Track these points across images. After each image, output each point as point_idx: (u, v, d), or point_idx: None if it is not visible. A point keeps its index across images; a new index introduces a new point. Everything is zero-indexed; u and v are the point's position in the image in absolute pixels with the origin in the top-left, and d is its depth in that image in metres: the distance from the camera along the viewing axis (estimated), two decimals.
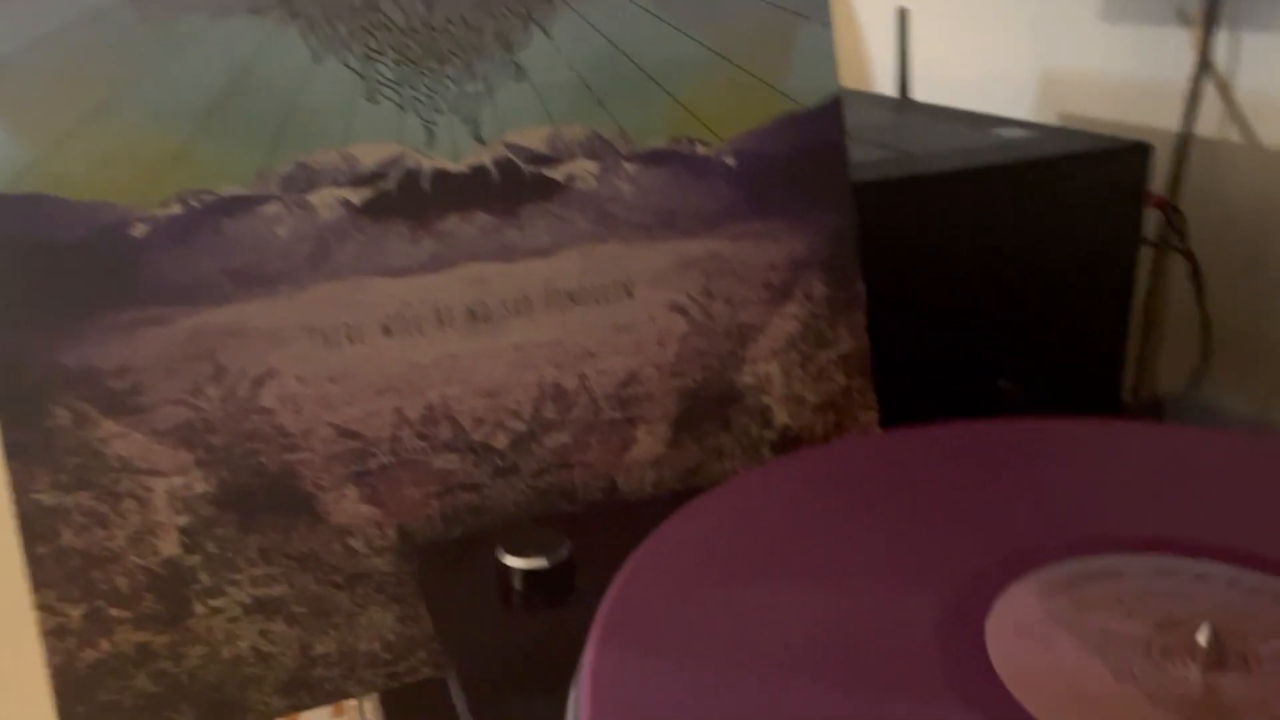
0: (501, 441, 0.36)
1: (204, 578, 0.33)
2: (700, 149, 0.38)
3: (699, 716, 0.24)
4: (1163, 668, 0.24)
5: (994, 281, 0.46)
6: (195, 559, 0.33)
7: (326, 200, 0.34)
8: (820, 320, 0.40)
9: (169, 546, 0.33)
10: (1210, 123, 0.55)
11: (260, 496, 0.34)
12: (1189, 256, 0.51)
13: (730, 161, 0.38)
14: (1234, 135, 0.55)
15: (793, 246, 0.39)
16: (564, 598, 0.31)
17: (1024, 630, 0.26)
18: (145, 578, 0.33)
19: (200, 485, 0.33)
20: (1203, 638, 0.24)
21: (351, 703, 0.58)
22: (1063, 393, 0.50)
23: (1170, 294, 0.57)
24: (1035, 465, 0.34)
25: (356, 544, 0.35)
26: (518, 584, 0.30)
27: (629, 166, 0.37)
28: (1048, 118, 0.66)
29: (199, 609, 0.33)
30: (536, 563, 0.30)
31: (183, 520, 0.33)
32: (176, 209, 0.33)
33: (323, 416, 0.34)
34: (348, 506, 0.35)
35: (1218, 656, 0.24)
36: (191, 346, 0.33)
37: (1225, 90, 0.54)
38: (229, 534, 0.33)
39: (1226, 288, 0.55)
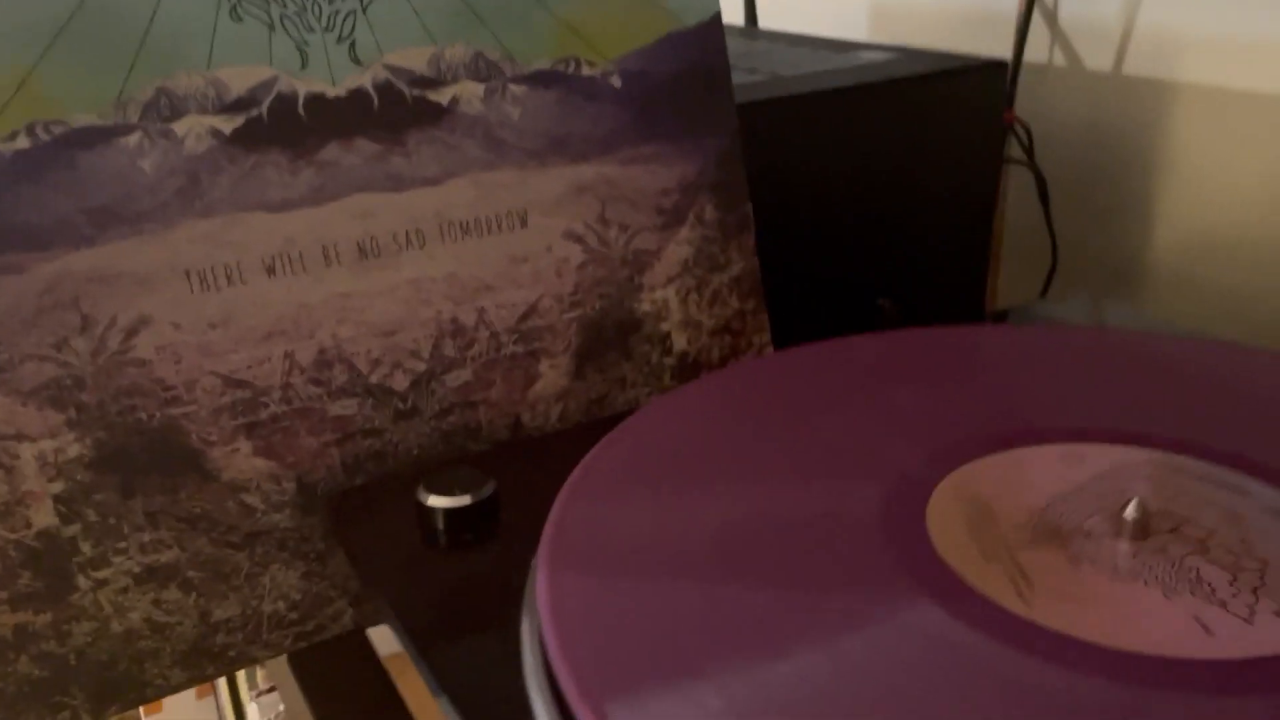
0: (401, 383, 0.34)
1: (86, 548, 0.30)
2: (586, 70, 0.37)
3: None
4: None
5: (866, 202, 0.47)
6: (74, 529, 0.30)
7: (193, 129, 0.31)
8: (712, 244, 0.40)
9: (43, 517, 0.30)
10: (1038, 49, 0.57)
11: (142, 456, 0.31)
12: (1037, 173, 0.54)
13: (617, 83, 0.37)
14: (1060, 59, 0.58)
15: (683, 169, 0.39)
16: (490, 534, 0.29)
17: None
18: (19, 553, 0.30)
19: (74, 448, 0.30)
20: (1131, 512, 0.25)
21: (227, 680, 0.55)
22: (931, 308, 0.51)
23: (1004, 209, 0.60)
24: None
25: (252, 500, 0.32)
26: (441, 524, 0.29)
27: (515, 89, 0.36)
28: None
29: (82, 583, 0.30)
30: (461, 501, 0.29)
31: (57, 487, 0.30)
32: (24, 142, 0.29)
33: (205, 366, 0.31)
34: (240, 461, 0.32)
35: (1145, 528, 0.25)
36: (51, 296, 0.30)
37: (1051, 20, 0.56)
38: (110, 499, 0.31)
39: (1063, 203, 0.58)
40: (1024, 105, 0.58)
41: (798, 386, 0.34)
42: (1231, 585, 0.24)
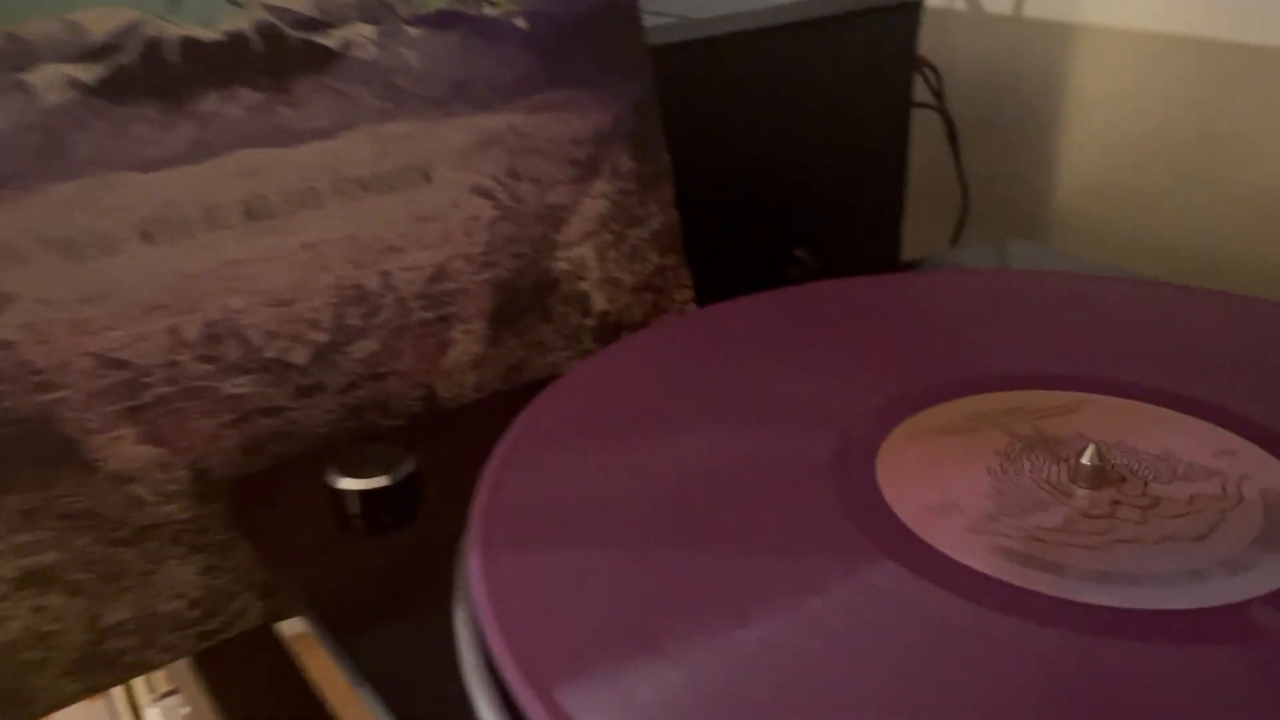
0: (301, 356, 0.31)
1: None
2: (488, 9, 0.34)
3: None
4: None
5: (778, 149, 0.46)
6: None
7: (51, 80, 0.28)
8: (630, 197, 0.37)
9: None
10: None
11: (13, 449, 0.28)
12: (947, 117, 0.53)
13: (521, 24, 0.35)
14: (961, 2, 0.57)
15: (596, 118, 0.36)
16: (412, 515, 0.27)
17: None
18: None
19: None
20: (1087, 458, 0.25)
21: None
22: (846, 259, 0.50)
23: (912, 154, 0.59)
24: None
25: (141, 492, 0.29)
26: (357, 508, 0.27)
27: (412, 31, 0.33)
28: None
29: None
30: (377, 482, 0.27)
31: None
32: None
33: (79, 345, 0.28)
34: (124, 449, 0.29)
35: (1101, 475, 0.25)
36: None
37: None
38: None
39: (969, 148, 0.58)
40: (929, 48, 0.57)
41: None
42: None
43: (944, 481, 0.25)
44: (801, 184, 0.47)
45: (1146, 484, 0.24)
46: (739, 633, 0.21)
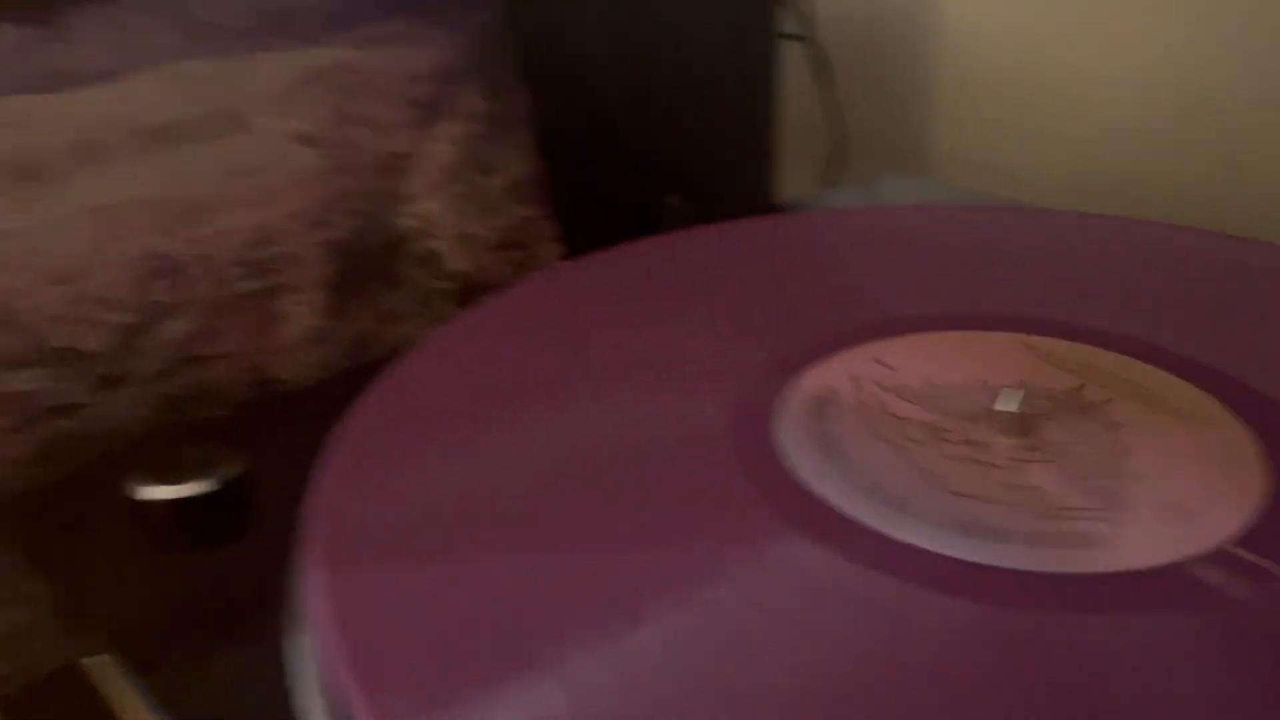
0: (97, 343, 0.26)
1: None
2: None
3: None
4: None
5: (642, 90, 0.42)
6: None
7: None
8: (482, 141, 0.33)
9: None
10: None
11: None
12: (818, 50, 0.50)
13: None
14: None
15: (438, 51, 0.32)
16: (242, 526, 0.23)
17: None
18: None
19: None
20: (1004, 404, 0.22)
21: None
22: (720, 204, 0.47)
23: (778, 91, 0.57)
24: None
25: None
26: (172, 521, 0.22)
27: None
28: None
29: None
30: (194, 488, 0.22)
31: None
32: None
33: None
34: None
35: (1021, 422, 0.22)
36: None
37: None
38: None
39: (842, 82, 0.55)
40: None
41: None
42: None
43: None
44: (668, 127, 0.44)
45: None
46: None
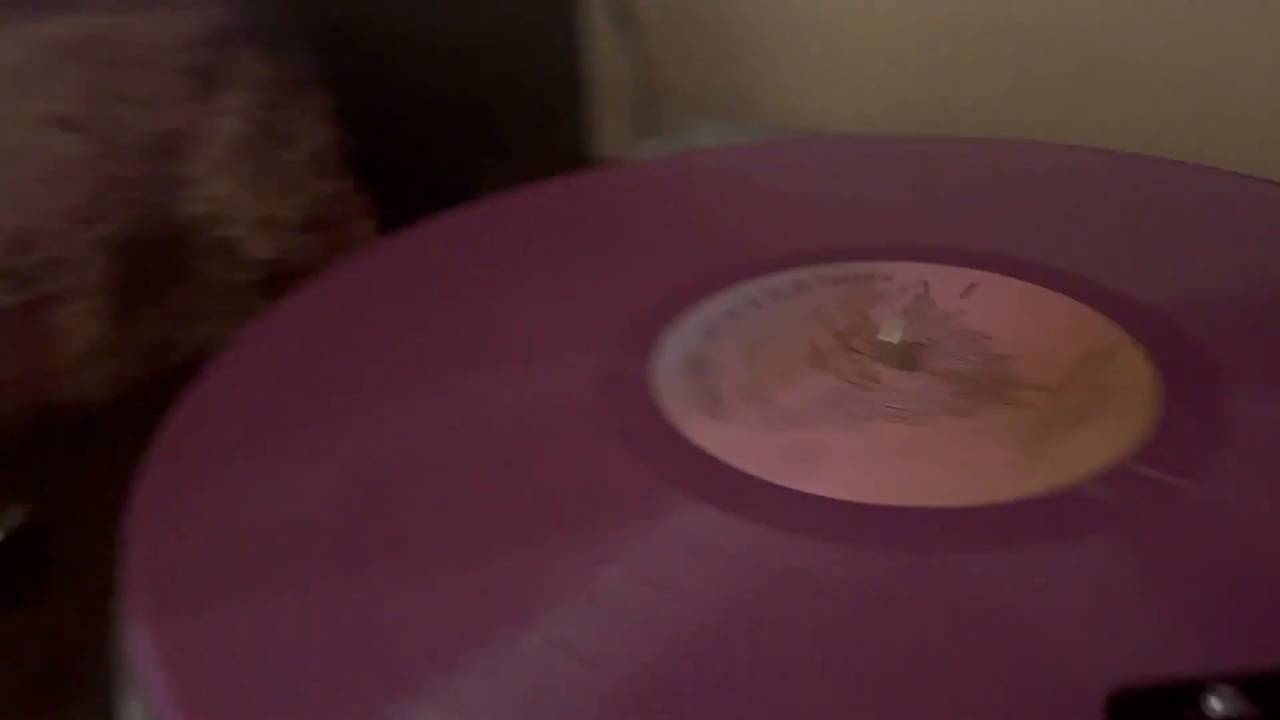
0: None
1: None
2: None
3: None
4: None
5: (443, 50, 0.39)
6: None
7: None
8: (271, 111, 0.30)
9: None
10: None
11: None
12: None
13: None
14: None
15: (206, 12, 0.28)
16: (37, 581, 0.19)
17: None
18: None
19: None
20: (891, 336, 0.21)
21: None
22: (536, 160, 0.45)
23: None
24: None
25: None
26: None
27: None
28: None
29: None
30: None
31: None
32: None
33: None
34: None
35: (910, 355, 0.21)
36: None
37: None
38: None
39: (651, 28, 0.54)
40: None
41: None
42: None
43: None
44: (476, 83, 0.41)
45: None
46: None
